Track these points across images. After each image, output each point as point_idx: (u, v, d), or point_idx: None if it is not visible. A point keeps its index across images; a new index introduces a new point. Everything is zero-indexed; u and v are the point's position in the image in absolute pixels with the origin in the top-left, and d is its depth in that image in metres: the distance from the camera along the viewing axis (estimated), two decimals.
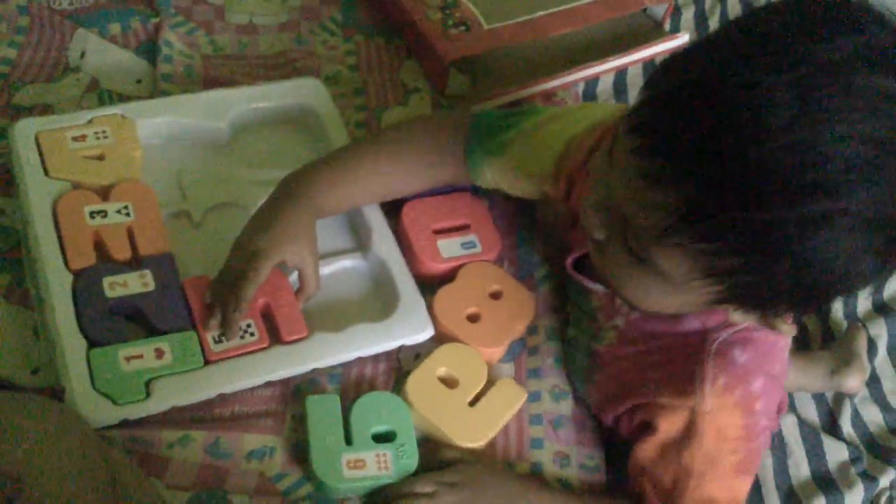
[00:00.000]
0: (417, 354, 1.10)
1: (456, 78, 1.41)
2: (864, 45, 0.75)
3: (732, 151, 0.74)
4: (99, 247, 1.08)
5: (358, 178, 1.13)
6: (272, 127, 1.29)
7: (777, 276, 0.80)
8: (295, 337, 1.06)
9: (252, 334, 1.04)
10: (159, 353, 1.01)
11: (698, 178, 0.77)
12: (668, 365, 1.02)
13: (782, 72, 0.74)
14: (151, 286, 1.05)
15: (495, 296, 1.16)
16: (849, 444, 1.31)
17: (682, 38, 1.56)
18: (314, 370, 1.06)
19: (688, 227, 0.79)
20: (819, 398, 1.36)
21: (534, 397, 1.12)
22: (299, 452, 1.00)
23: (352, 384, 1.08)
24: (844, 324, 1.43)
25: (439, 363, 1.08)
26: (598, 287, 1.08)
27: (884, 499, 1.27)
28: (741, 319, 0.94)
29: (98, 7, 1.45)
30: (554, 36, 1.49)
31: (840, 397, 1.35)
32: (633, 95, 1.54)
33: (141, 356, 1.00)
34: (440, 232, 1.19)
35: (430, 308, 1.11)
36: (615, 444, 1.14)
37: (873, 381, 1.40)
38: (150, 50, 1.41)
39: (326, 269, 1.13)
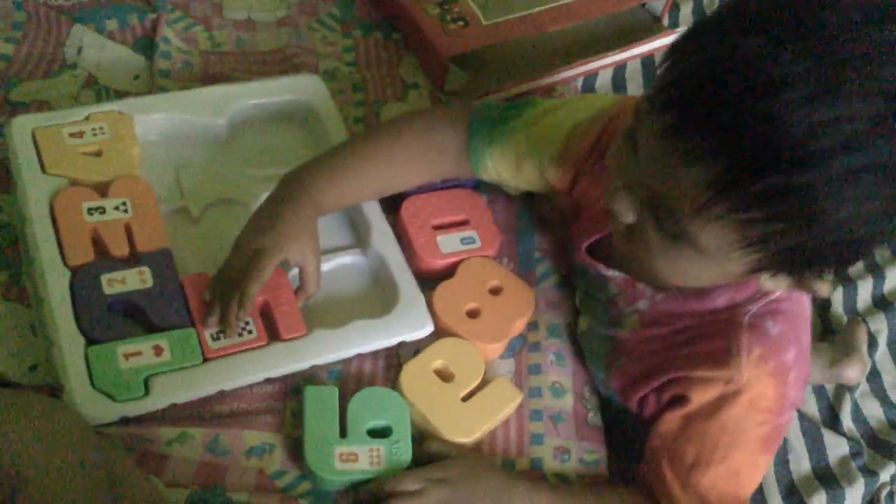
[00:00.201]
0: (417, 350, 1.10)
1: (455, 73, 1.41)
2: (867, 2, 0.79)
3: (763, 120, 0.76)
4: (97, 243, 1.08)
5: (358, 174, 1.12)
6: (271, 123, 1.29)
7: (815, 236, 0.82)
8: (293, 335, 1.05)
9: (250, 332, 1.04)
10: (158, 351, 1.00)
11: (732, 150, 0.78)
12: (699, 341, 1.03)
13: (800, 40, 0.77)
14: (150, 283, 1.05)
15: (495, 291, 1.15)
16: (849, 438, 1.31)
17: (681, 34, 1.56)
18: (313, 367, 1.06)
19: (725, 200, 0.81)
20: (819, 393, 1.36)
21: (534, 393, 1.11)
22: (299, 449, 1.00)
23: (351, 380, 1.08)
24: (844, 318, 1.43)
25: (436, 356, 1.08)
26: (615, 273, 1.09)
27: (884, 493, 1.27)
28: (772, 287, 0.94)
29: (95, 3, 1.45)
30: (552, 31, 1.49)
31: (840, 392, 1.35)
32: (632, 90, 1.54)
33: (140, 353, 1.00)
34: (439, 227, 1.19)
35: (429, 304, 1.11)
36: (618, 443, 1.14)
37: (873, 376, 1.41)
38: (147, 46, 1.41)
39: (326, 266, 1.12)
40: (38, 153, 1.13)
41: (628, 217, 0.92)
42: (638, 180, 0.89)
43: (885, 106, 0.76)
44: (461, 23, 1.45)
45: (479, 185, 1.25)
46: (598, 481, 1.09)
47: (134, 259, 1.08)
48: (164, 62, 1.37)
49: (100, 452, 0.86)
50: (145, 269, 1.06)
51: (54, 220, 1.08)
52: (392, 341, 1.09)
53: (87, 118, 1.18)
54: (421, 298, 1.11)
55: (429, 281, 1.14)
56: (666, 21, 1.62)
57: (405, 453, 1.01)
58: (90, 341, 1.00)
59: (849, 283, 1.47)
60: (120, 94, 1.33)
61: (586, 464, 1.09)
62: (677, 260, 0.91)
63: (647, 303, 1.07)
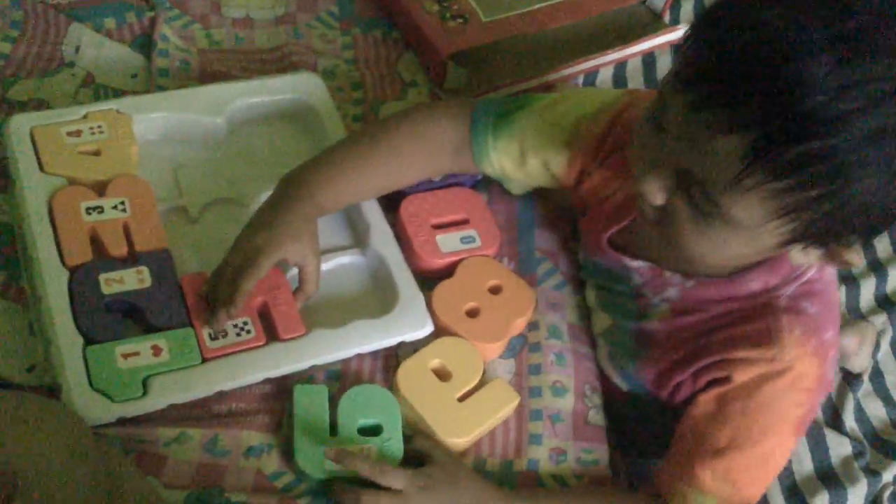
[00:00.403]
0: (415, 350, 1.09)
1: (454, 71, 1.40)
2: None
3: (791, 87, 0.78)
4: (95, 243, 1.08)
5: (357, 172, 1.12)
6: (269, 122, 1.28)
7: (844, 201, 0.83)
8: (292, 335, 1.05)
9: (249, 332, 1.04)
10: (156, 351, 1.00)
11: (763, 119, 0.80)
12: (736, 324, 1.04)
13: (821, 6, 0.80)
14: (148, 283, 1.05)
15: (495, 291, 1.15)
16: (852, 438, 1.31)
17: (682, 31, 1.55)
18: (312, 367, 1.05)
19: (758, 169, 0.82)
20: None
21: (535, 393, 1.11)
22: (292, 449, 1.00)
23: (349, 380, 1.07)
24: (848, 316, 1.43)
25: (434, 355, 1.08)
26: (640, 263, 1.09)
27: (887, 493, 1.26)
28: (803, 260, 0.95)
29: (93, 1, 1.44)
30: (553, 28, 1.48)
31: (843, 391, 1.35)
32: (633, 87, 1.53)
33: (138, 353, 1.00)
34: (439, 227, 1.19)
35: (428, 304, 1.11)
36: (627, 443, 1.16)
37: (876, 376, 1.40)
38: (145, 44, 1.40)
39: (325, 266, 1.12)
40: (37, 152, 1.13)
41: (658, 199, 0.92)
42: (666, 161, 0.90)
43: None
44: (460, 20, 1.44)
45: (479, 184, 1.25)
46: (594, 483, 1.09)
47: (132, 259, 1.07)
48: (162, 60, 1.37)
49: (98, 453, 0.86)
50: (143, 268, 1.06)
51: (52, 220, 1.07)
52: (391, 341, 1.08)
53: (85, 117, 1.17)
54: (420, 298, 1.11)
55: (428, 280, 1.14)
56: (667, 18, 1.61)
57: (396, 452, 1.01)
58: (88, 341, 1.00)
59: (851, 283, 1.46)
60: (118, 93, 1.32)
61: (584, 463, 1.09)
62: (710, 238, 0.92)
63: (677, 291, 1.07)
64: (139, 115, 1.20)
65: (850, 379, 1.36)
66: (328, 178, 1.10)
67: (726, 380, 1.02)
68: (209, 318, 1.02)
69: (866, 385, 1.38)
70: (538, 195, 1.28)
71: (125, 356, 0.99)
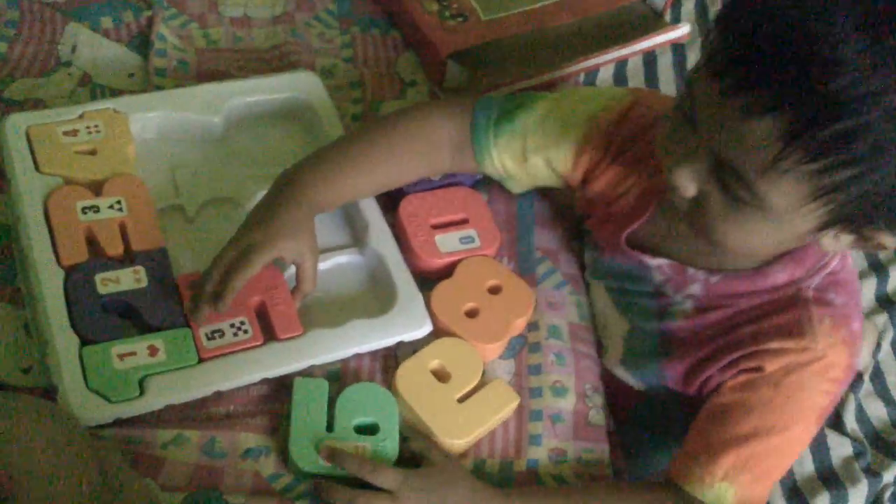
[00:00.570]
0: (414, 351, 1.09)
1: (453, 70, 1.40)
2: None
3: (824, 66, 0.79)
4: (91, 243, 1.07)
5: (355, 170, 1.12)
6: (267, 121, 1.28)
7: (879, 179, 0.83)
8: (289, 335, 1.05)
9: (246, 332, 1.03)
10: (153, 351, 1.00)
11: (797, 99, 0.81)
12: (765, 317, 1.04)
13: None
14: (144, 282, 1.05)
15: (494, 291, 1.14)
16: (853, 439, 1.30)
17: (684, 29, 1.55)
18: (310, 367, 1.05)
19: (794, 150, 0.82)
20: None
21: (535, 393, 1.11)
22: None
23: (348, 381, 1.06)
24: None
25: (433, 356, 1.07)
26: (661, 261, 1.09)
27: (888, 494, 1.26)
28: (834, 247, 0.96)
29: (89, 0, 1.44)
30: (553, 27, 1.48)
31: (844, 392, 1.34)
32: (634, 86, 1.53)
33: (134, 353, 0.99)
34: (438, 226, 1.18)
35: (427, 304, 1.10)
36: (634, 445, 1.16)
37: (877, 376, 1.40)
38: (142, 44, 1.40)
39: (323, 265, 1.11)
40: (32, 152, 1.13)
41: (690, 190, 0.93)
42: (699, 150, 0.90)
43: None
44: (460, 19, 1.44)
45: (477, 184, 1.24)
46: (595, 481, 1.08)
47: (128, 258, 1.07)
48: (159, 60, 1.37)
49: (94, 455, 0.85)
50: (140, 268, 1.06)
51: (48, 219, 1.07)
52: (390, 341, 1.08)
53: (81, 116, 1.17)
54: (419, 298, 1.10)
55: (427, 280, 1.13)
56: (668, 16, 1.61)
57: (391, 453, 1.00)
58: (84, 342, 0.99)
59: None
60: (115, 93, 1.32)
61: (585, 463, 1.08)
62: (744, 226, 0.92)
63: (700, 287, 1.07)
64: (136, 115, 1.20)
65: None
66: (325, 176, 1.09)
67: (757, 370, 1.03)
68: (193, 313, 1.02)
69: (867, 385, 1.38)
70: (538, 195, 1.28)
71: (121, 356, 0.99)
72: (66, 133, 1.15)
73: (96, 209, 1.09)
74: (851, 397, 1.33)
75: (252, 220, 1.05)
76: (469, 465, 1.05)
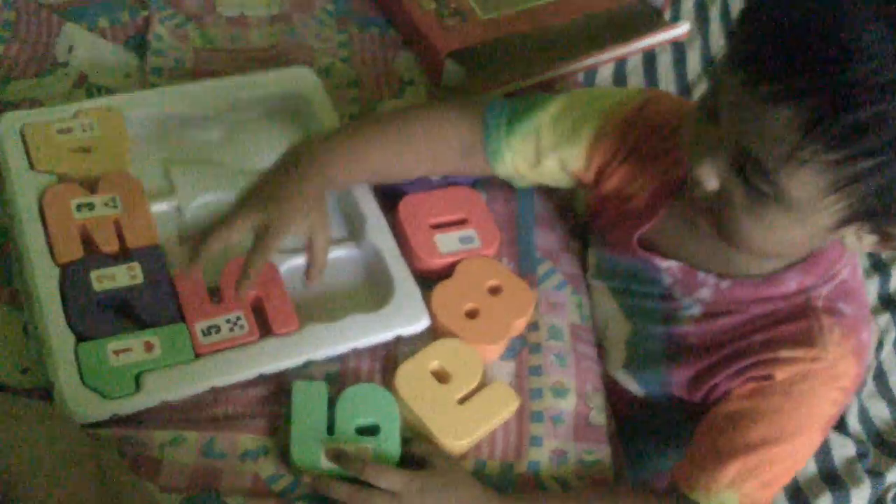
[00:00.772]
0: (414, 352, 1.08)
1: (451, 69, 1.40)
2: None
3: (844, 55, 0.80)
4: (86, 240, 1.07)
5: (371, 153, 1.12)
6: (262, 117, 1.28)
7: None
8: (286, 330, 1.04)
9: (242, 327, 1.03)
10: (148, 347, 1.00)
11: (818, 88, 0.81)
12: (776, 326, 1.05)
13: None
14: (140, 279, 1.04)
15: (494, 291, 1.14)
16: (855, 439, 1.30)
17: (683, 27, 1.54)
18: (308, 363, 1.04)
19: (815, 140, 0.82)
20: None
21: (535, 395, 1.10)
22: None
23: (348, 381, 1.06)
24: None
25: (433, 357, 1.07)
26: (671, 263, 1.09)
27: (891, 495, 1.26)
28: (857, 247, 0.96)
29: (86, 0, 1.43)
30: (552, 26, 1.47)
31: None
32: (634, 85, 1.53)
33: (130, 350, 0.99)
34: (438, 226, 1.18)
35: (427, 304, 1.10)
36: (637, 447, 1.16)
37: (880, 376, 1.40)
38: (139, 44, 1.39)
39: None
40: (27, 150, 1.12)
41: (712, 184, 0.93)
42: (720, 144, 0.90)
43: None
44: (458, 17, 1.43)
45: (477, 183, 1.24)
46: (596, 483, 1.08)
47: (124, 255, 1.07)
48: (156, 60, 1.36)
49: (93, 456, 0.85)
50: (135, 265, 1.05)
51: (43, 217, 1.07)
52: (388, 335, 1.07)
53: (75, 114, 1.17)
54: (417, 291, 1.10)
55: (427, 281, 1.13)
56: (668, 15, 1.61)
57: (393, 453, 1.00)
58: (80, 338, 0.99)
59: None
60: (111, 93, 1.31)
61: (586, 464, 1.08)
62: (765, 222, 0.92)
63: (710, 291, 1.07)
64: (131, 112, 1.19)
65: None
66: (342, 154, 1.10)
67: (766, 378, 1.03)
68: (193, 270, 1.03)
69: (870, 385, 1.38)
70: (538, 195, 1.27)
71: (117, 353, 0.99)
72: (60, 131, 1.15)
73: (91, 206, 1.08)
74: (854, 398, 1.33)
75: (263, 195, 1.04)
76: (470, 466, 1.04)
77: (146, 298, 1.03)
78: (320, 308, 1.09)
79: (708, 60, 1.63)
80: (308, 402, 1.01)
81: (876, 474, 1.27)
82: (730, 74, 0.88)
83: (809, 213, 0.89)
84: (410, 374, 1.05)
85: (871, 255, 1.48)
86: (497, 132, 1.14)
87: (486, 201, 1.23)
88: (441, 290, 1.12)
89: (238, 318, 1.03)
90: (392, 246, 1.13)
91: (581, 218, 1.28)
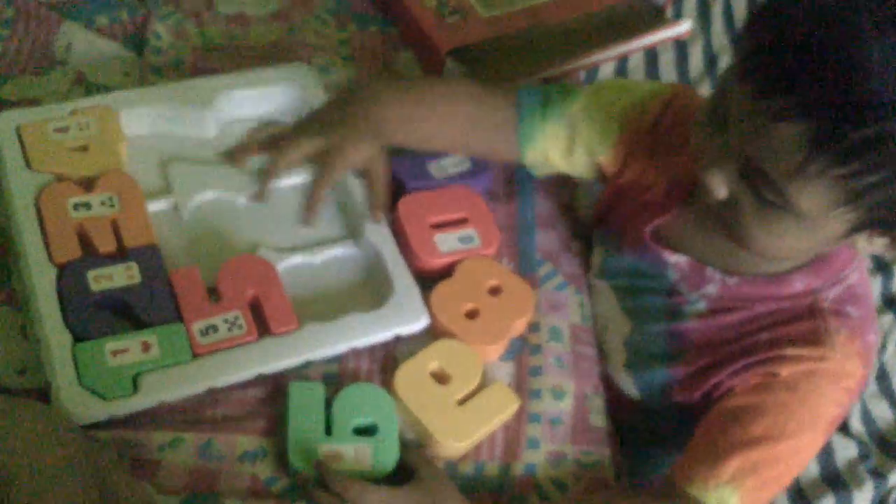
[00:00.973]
0: (413, 353, 1.08)
1: (452, 68, 1.39)
2: None
3: (852, 71, 0.81)
4: (83, 240, 1.07)
5: (424, 124, 1.16)
6: (261, 114, 1.27)
7: None
8: (284, 329, 1.04)
9: (240, 327, 1.02)
10: (146, 347, 0.99)
11: (826, 103, 0.81)
12: (783, 325, 1.05)
13: None
14: (137, 279, 1.04)
15: (494, 291, 1.13)
16: (858, 441, 1.30)
17: (685, 25, 1.54)
18: (307, 363, 1.04)
19: (822, 155, 0.83)
20: None
21: (534, 396, 1.10)
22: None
23: (347, 381, 1.05)
24: None
25: (433, 357, 1.06)
26: (679, 258, 1.09)
27: (893, 496, 1.26)
28: (869, 250, 0.97)
29: None
30: (552, 23, 1.47)
31: None
32: None
33: (127, 350, 0.99)
34: (438, 226, 1.17)
35: (427, 304, 1.09)
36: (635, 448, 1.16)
37: (882, 377, 1.40)
38: (138, 42, 1.39)
39: (317, 258, 1.12)
40: (23, 149, 1.12)
41: (721, 192, 0.93)
42: (730, 153, 0.90)
43: None
44: (458, 16, 1.43)
45: (477, 183, 1.23)
46: (594, 485, 1.08)
47: (121, 255, 1.06)
48: (154, 58, 1.36)
49: (90, 458, 0.85)
50: (132, 264, 1.05)
51: (40, 217, 1.06)
52: (387, 335, 1.07)
53: (72, 113, 1.16)
54: (416, 290, 1.10)
55: (427, 280, 1.12)
56: (670, 13, 1.60)
57: (391, 453, 0.99)
58: (77, 339, 0.99)
59: None
60: (110, 91, 1.30)
61: (584, 466, 1.08)
62: (775, 229, 0.93)
63: (716, 287, 1.07)
64: (128, 110, 1.19)
65: None
66: (399, 111, 1.15)
67: (774, 375, 1.03)
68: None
69: (872, 386, 1.38)
70: (538, 195, 1.27)
71: (115, 353, 0.98)
72: (57, 130, 1.14)
73: (88, 206, 1.08)
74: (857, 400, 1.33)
75: (325, 120, 1.10)
76: (469, 468, 1.04)
77: (144, 298, 1.03)
78: (319, 307, 1.09)
79: (710, 59, 1.63)
80: (305, 403, 1.01)
81: (878, 475, 1.27)
82: (738, 83, 0.88)
83: (820, 223, 0.90)
84: (410, 376, 1.04)
85: (874, 256, 1.48)
86: (531, 116, 1.15)
87: (486, 201, 1.22)
88: (441, 291, 1.11)
89: (236, 318, 1.03)
90: (391, 244, 1.13)
91: (583, 218, 1.27)
